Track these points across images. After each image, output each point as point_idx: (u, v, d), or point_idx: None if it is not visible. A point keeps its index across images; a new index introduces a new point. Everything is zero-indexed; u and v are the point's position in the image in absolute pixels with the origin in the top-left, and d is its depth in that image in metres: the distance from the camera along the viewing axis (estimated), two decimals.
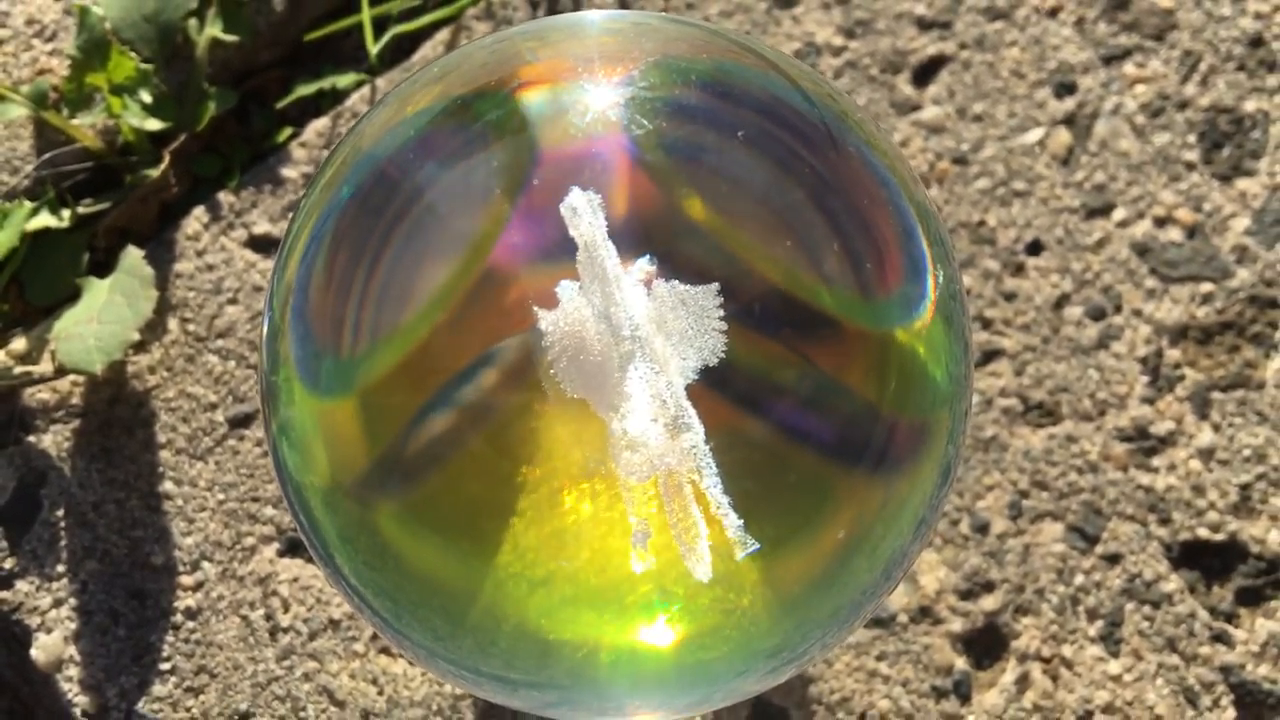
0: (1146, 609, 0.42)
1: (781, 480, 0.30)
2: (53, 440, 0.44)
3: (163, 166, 0.45)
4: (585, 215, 0.29)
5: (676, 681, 0.30)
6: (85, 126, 0.46)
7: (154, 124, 0.46)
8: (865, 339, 0.29)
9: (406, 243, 0.30)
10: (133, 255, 0.44)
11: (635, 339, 0.30)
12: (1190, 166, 0.47)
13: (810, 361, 0.29)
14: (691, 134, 0.29)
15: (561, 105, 0.29)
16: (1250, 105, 0.47)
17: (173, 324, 0.45)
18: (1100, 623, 0.42)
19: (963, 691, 0.41)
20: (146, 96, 0.45)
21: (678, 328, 0.29)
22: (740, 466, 0.29)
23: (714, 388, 0.29)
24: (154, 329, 0.45)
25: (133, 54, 0.45)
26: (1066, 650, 0.42)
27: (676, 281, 0.29)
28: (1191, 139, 0.47)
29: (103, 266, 0.46)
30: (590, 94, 0.29)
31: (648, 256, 0.29)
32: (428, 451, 0.30)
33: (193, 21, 0.47)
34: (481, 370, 0.30)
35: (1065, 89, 0.48)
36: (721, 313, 0.28)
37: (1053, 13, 0.49)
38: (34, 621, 0.42)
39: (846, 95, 0.32)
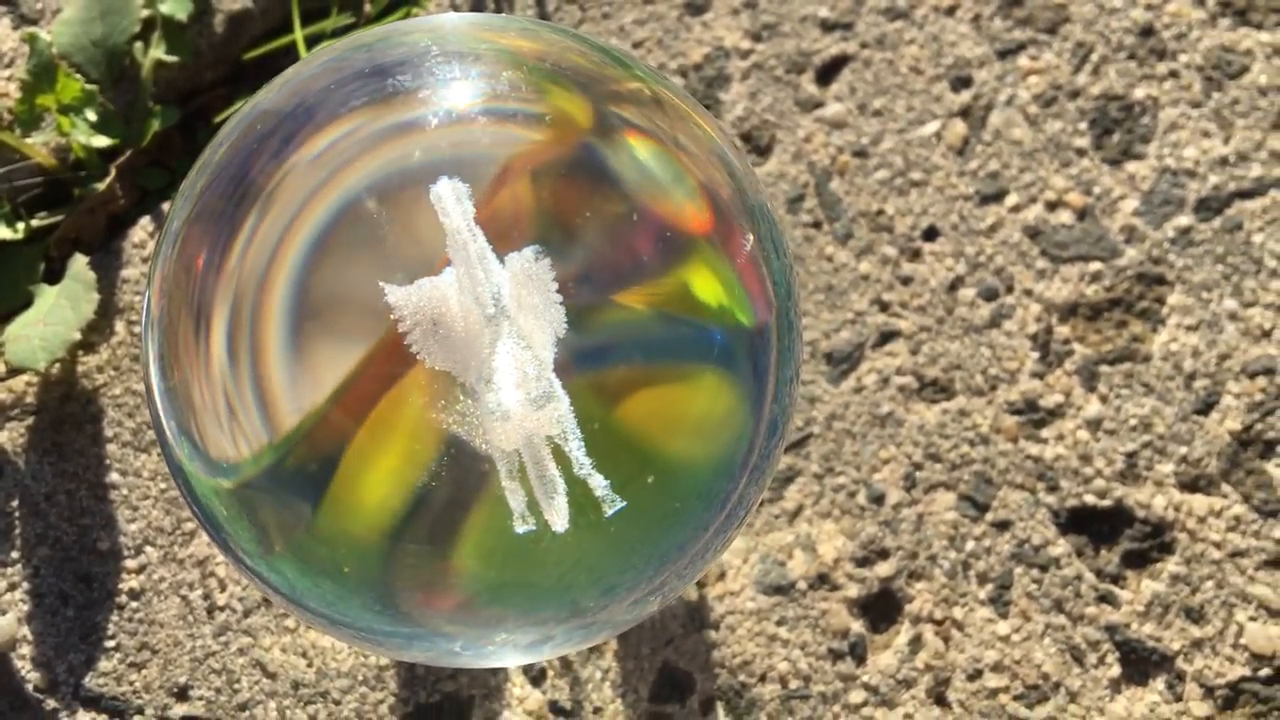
0: (1035, 572, 0.44)
1: (627, 430, 0.32)
2: (8, 436, 0.47)
3: (109, 180, 0.49)
4: (452, 203, 0.32)
5: (546, 614, 0.32)
6: (38, 145, 0.49)
7: (102, 141, 0.49)
8: (681, 294, 0.32)
9: (270, 243, 0.32)
10: (79, 263, 0.47)
11: (503, 316, 0.32)
12: (1081, 152, 0.49)
13: (636, 320, 0.32)
14: (523, 121, 0.32)
15: (411, 102, 0.32)
16: (1140, 92, 0.50)
17: (119, 326, 0.48)
18: (990, 586, 0.44)
19: (858, 653, 0.44)
20: (92, 115, 0.48)
21: (530, 303, 0.32)
22: (599, 426, 0.32)
23: (569, 354, 0.32)
24: (102, 331, 0.48)
25: (80, 76, 0.48)
26: (957, 612, 0.44)
27: (514, 255, 0.31)
28: (1083, 126, 0.49)
29: (56, 275, 0.49)
30: (440, 92, 0.32)
31: (533, 247, 0.32)
32: (298, 435, 0.32)
33: (138, 45, 0.50)
34: (347, 351, 0.32)
35: (961, 83, 0.50)
36: (554, 279, 0.31)
37: (950, 11, 0.51)
38: None
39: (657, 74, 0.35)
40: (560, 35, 0.35)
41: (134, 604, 0.45)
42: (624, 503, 0.32)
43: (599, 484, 0.32)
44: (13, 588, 0.45)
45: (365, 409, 0.32)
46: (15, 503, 0.46)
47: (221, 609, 0.45)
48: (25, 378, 0.47)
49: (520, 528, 0.32)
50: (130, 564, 0.45)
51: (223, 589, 0.45)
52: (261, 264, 0.31)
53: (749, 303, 0.32)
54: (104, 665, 0.44)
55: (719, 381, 0.33)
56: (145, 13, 0.50)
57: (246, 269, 0.31)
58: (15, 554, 0.46)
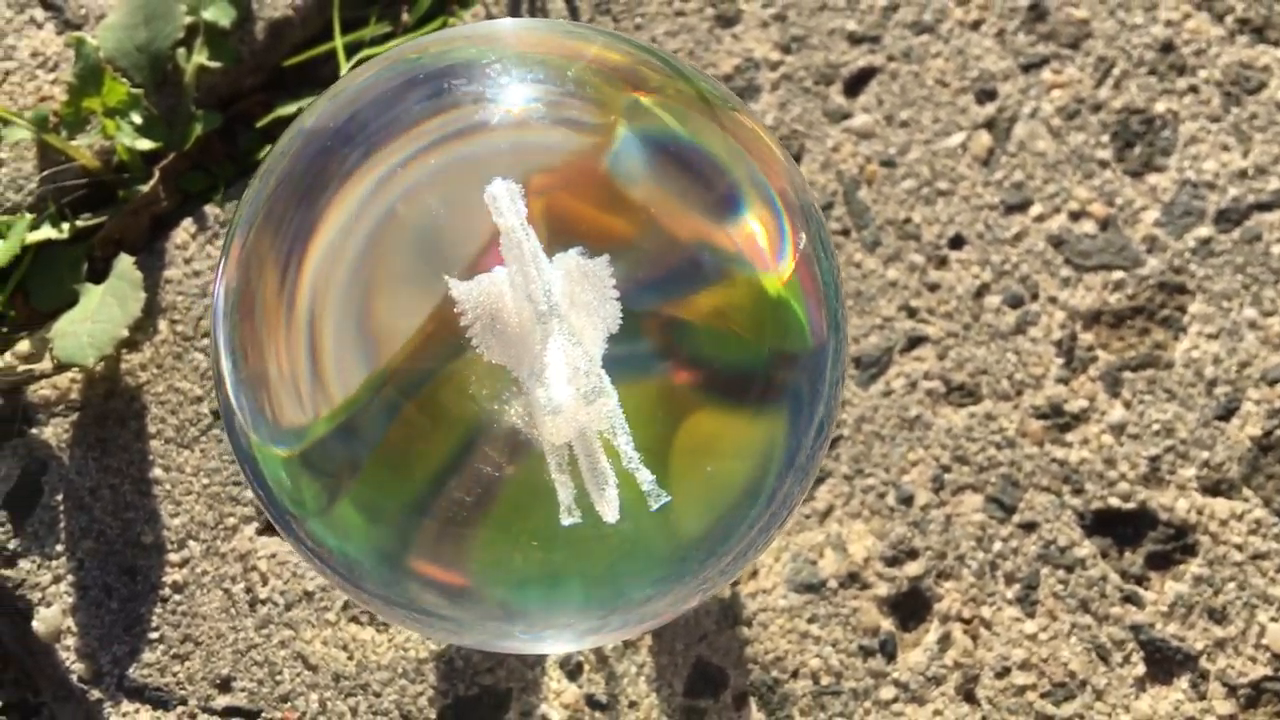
0: (1061, 573, 0.45)
1: (678, 428, 0.33)
2: (53, 432, 0.48)
3: (153, 182, 0.50)
4: (506, 203, 0.33)
5: (596, 603, 0.33)
6: (83, 147, 0.50)
7: (145, 144, 0.50)
8: (737, 294, 0.33)
9: (331, 233, 0.33)
10: (125, 262, 0.48)
11: (554, 314, 0.33)
12: (1104, 164, 0.50)
13: (692, 319, 0.33)
14: (582, 123, 0.33)
15: (466, 104, 0.33)
16: (1161, 106, 0.51)
17: (163, 325, 0.49)
18: (1017, 586, 0.45)
19: (888, 651, 0.45)
20: (137, 118, 0.49)
21: (583, 300, 0.33)
22: (646, 423, 0.33)
23: (621, 353, 0.33)
24: (145, 330, 0.49)
25: (125, 80, 0.49)
26: (985, 611, 0.45)
27: (575, 254, 0.33)
28: (1105, 139, 0.50)
29: (99, 274, 0.50)
30: (504, 93, 0.33)
31: (578, 248, 0.33)
32: (366, 421, 0.33)
33: (181, 50, 0.51)
34: (415, 346, 0.33)
35: (986, 95, 0.51)
36: (614, 281, 0.32)
37: (975, 25, 0.52)
38: (35, 596, 0.46)
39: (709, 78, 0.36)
40: (612, 39, 0.36)
41: (177, 597, 0.46)
42: (669, 497, 0.33)
43: (646, 478, 0.33)
44: (57, 580, 0.46)
45: (424, 394, 0.33)
46: (60, 497, 0.47)
47: (263, 602, 0.46)
48: (70, 374, 0.48)
49: (566, 520, 0.33)
50: (173, 557, 0.46)
51: (264, 583, 0.46)
52: (332, 248, 0.32)
53: (802, 304, 0.33)
54: (147, 657, 0.45)
55: (769, 382, 0.34)
56: (188, 19, 0.51)
57: (317, 251, 0.32)
58: (60, 547, 0.46)
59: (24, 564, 0.46)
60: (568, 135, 0.34)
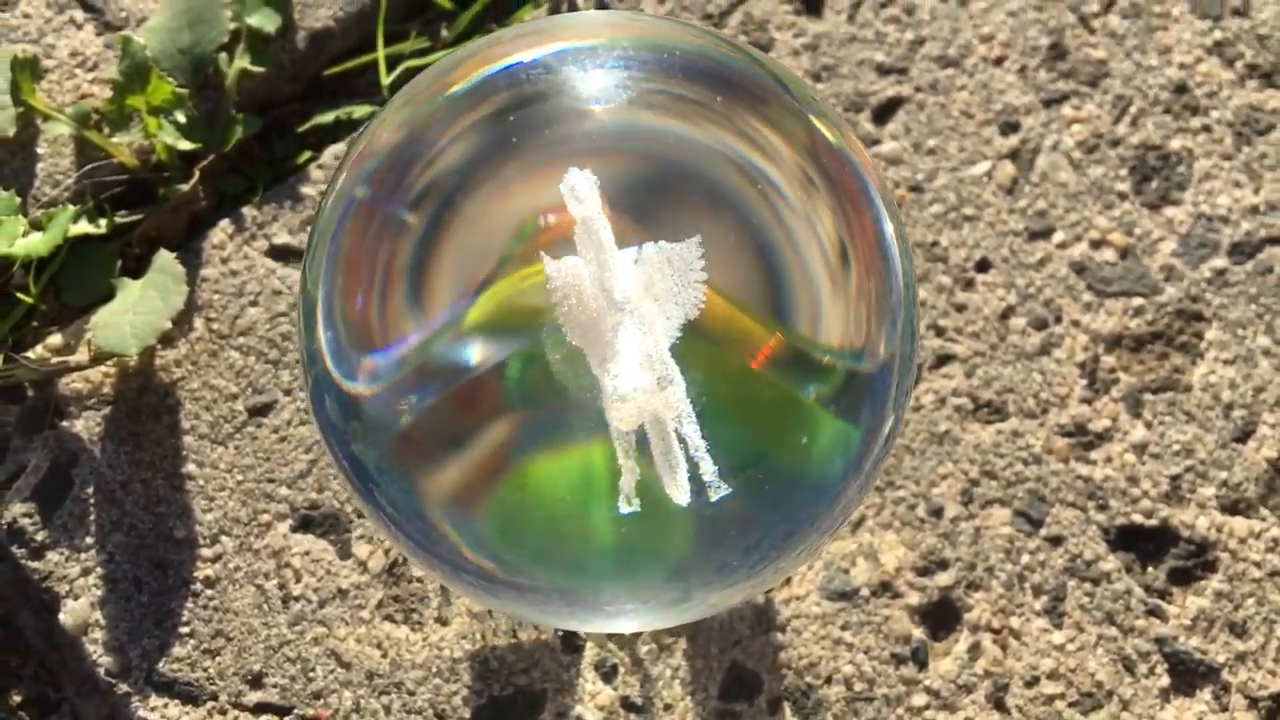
0: (1087, 586, 0.46)
1: (748, 421, 0.34)
2: (85, 425, 0.47)
3: (193, 181, 0.50)
4: (583, 193, 0.34)
5: (658, 584, 0.34)
6: (123, 145, 0.51)
7: (186, 144, 0.50)
8: (823, 301, 0.34)
9: (426, 223, 0.34)
10: (165, 256, 0.48)
11: (625, 304, 0.34)
12: (1122, 196, 0.52)
13: (776, 318, 0.33)
14: (677, 117, 0.34)
15: (560, 91, 0.34)
16: (1176, 144, 0.53)
17: (198, 323, 0.49)
18: (1045, 598, 0.46)
19: (920, 659, 0.45)
20: (181, 118, 0.50)
21: (664, 287, 0.34)
22: (711, 411, 0.33)
23: (696, 343, 0.33)
24: (180, 327, 0.49)
25: (170, 80, 0.50)
26: (1014, 622, 0.46)
27: (664, 242, 0.33)
28: (1123, 172, 0.52)
29: (134, 272, 0.50)
30: (586, 81, 0.34)
31: (652, 243, 0.33)
32: (451, 403, 0.34)
33: (223, 55, 0.52)
34: (495, 334, 0.34)
35: (1010, 127, 0.53)
36: (703, 263, 0.33)
37: (998, 61, 0.54)
38: (63, 589, 0.45)
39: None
40: (694, 31, 0.37)
41: (209, 592, 0.46)
42: (728, 489, 0.33)
43: (709, 468, 0.33)
44: (86, 573, 0.46)
45: (508, 366, 0.34)
46: (90, 490, 0.47)
47: (296, 599, 0.45)
48: (103, 369, 0.48)
49: (625, 508, 0.33)
50: (206, 552, 0.46)
51: (298, 579, 0.46)
52: (428, 220, 0.33)
53: (882, 306, 0.34)
54: (177, 651, 0.45)
55: (845, 385, 0.34)
56: (232, 25, 0.52)
57: (416, 222, 0.33)
58: (89, 540, 0.46)
59: (52, 556, 0.46)
60: (653, 125, 0.34)
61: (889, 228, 0.34)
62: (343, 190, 0.35)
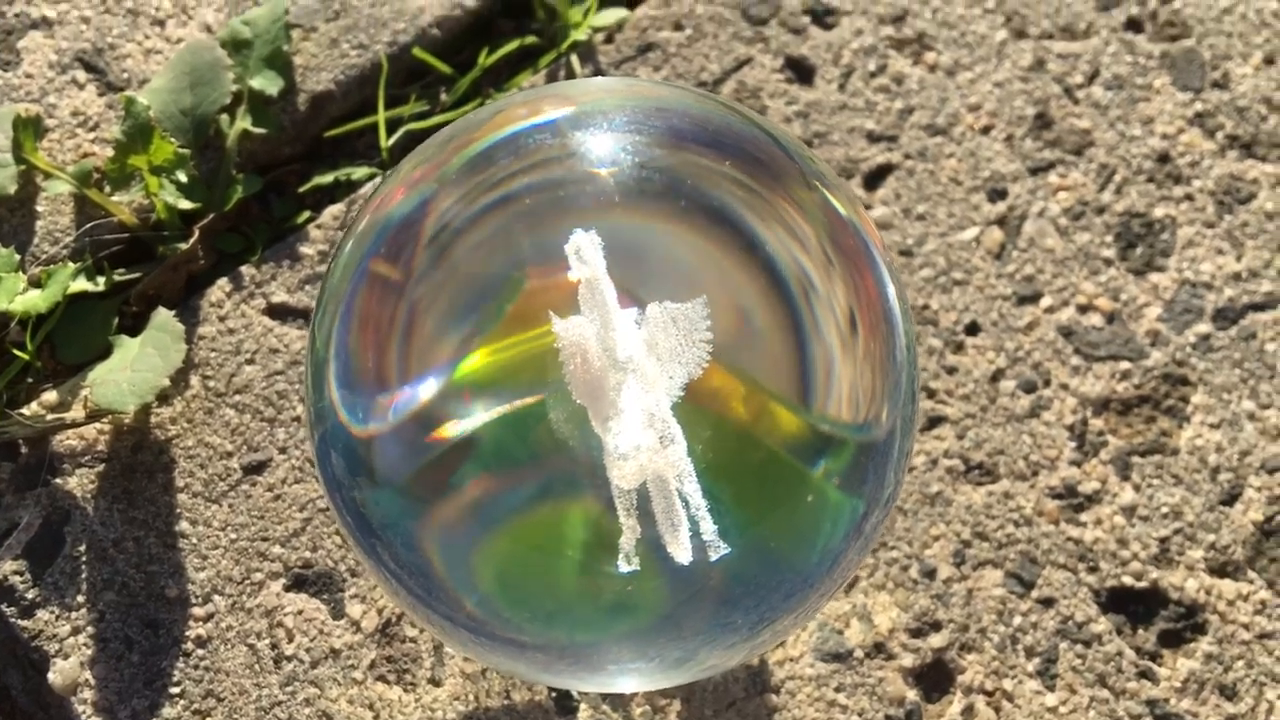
0: (1079, 648, 0.46)
1: (748, 483, 0.34)
2: (78, 482, 0.47)
3: (193, 240, 0.50)
4: (588, 254, 0.35)
5: (659, 643, 0.34)
6: (123, 204, 0.51)
7: (186, 204, 0.51)
8: (831, 364, 0.34)
9: (436, 285, 0.35)
10: (164, 314, 0.48)
11: (628, 363, 0.34)
12: (1108, 262, 0.53)
13: (781, 382, 0.34)
14: (683, 177, 0.35)
15: (570, 154, 0.34)
16: (1159, 211, 0.54)
17: (194, 380, 0.49)
18: (1037, 659, 0.46)
19: None
20: (183, 177, 0.50)
21: (668, 346, 0.34)
22: (714, 473, 0.34)
23: (694, 406, 0.34)
24: (177, 384, 0.49)
25: (172, 140, 0.50)
26: (1007, 684, 0.46)
27: (668, 302, 0.34)
28: (1109, 239, 0.53)
29: (131, 330, 0.50)
30: (591, 140, 0.34)
31: (657, 303, 0.34)
32: (456, 459, 0.34)
33: (225, 116, 0.53)
34: (501, 392, 0.34)
35: (997, 194, 0.54)
36: (708, 323, 0.33)
37: (985, 130, 0.55)
38: (52, 648, 0.45)
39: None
40: (697, 95, 0.37)
41: (200, 651, 0.45)
42: (729, 549, 0.33)
43: (709, 528, 0.34)
44: (76, 631, 0.45)
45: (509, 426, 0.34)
46: (82, 548, 0.46)
47: (289, 659, 0.45)
48: (98, 426, 0.48)
49: (624, 567, 0.34)
50: (198, 612, 0.46)
51: (290, 639, 0.45)
52: (438, 278, 0.33)
53: (886, 369, 0.35)
54: (168, 712, 0.44)
55: (848, 448, 0.35)
56: (235, 87, 0.53)
57: (424, 284, 0.33)
58: (80, 598, 0.46)
59: (42, 614, 0.46)
60: (654, 188, 0.35)
61: (892, 290, 0.35)
62: (354, 253, 0.35)
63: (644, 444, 0.34)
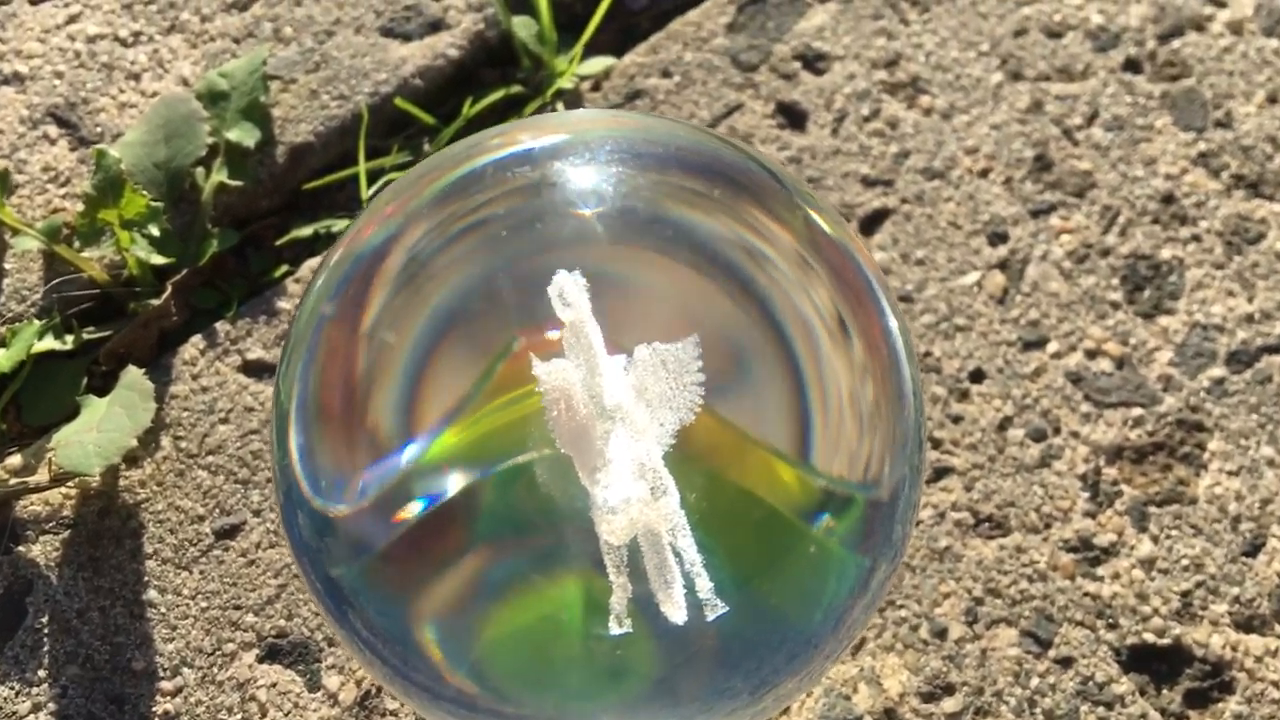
0: (1101, 710, 0.44)
1: (744, 538, 0.32)
2: (41, 550, 0.45)
3: (165, 295, 0.48)
4: (571, 296, 0.33)
5: (653, 711, 0.31)
6: (93, 260, 0.49)
7: (159, 259, 0.49)
8: (832, 415, 0.32)
9: (407, 336, 0.32)
10: (133, 373, 0.46)
11: (616, 410, 0.32)
12: (1115, 305, 0.51)
13: (770, 431, 0.32)
14: (665, 214, 0.33)
15: (549, 186, 0.32)
16: (1166, 253, 0.52)
17: (165, 441, 0.47)
18: None
19: None
20: (155, 231, 0.48)
21: (658, 391, 0.32)
22: (708, 526, 0.32)
23: (687, 456, 0.32)
24: (147, 446, 0.47)
25: (145, 193, 0.49)
26: None
27: (658, 343, 0.32)
28: (1115, 282, 0.52)
29: (100, 390, 0.48)
30: (573, 172, 0.32)
31: (645, 345, 0.32)
32: (434, 526, 0.32)
33: (200, 169, 0.51)
34: (478, 455, 0.32)
35: (998, 238, 0.52)
36: (700, 364, 0.31)
37: (984, 173, 0.54)
38: None
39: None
40: (686, 126, 0.36)
41: None
42: (726, 608, 0.31)
43: (704, 585, 0.31)
44: (37, 709, 0.43)
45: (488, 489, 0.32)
46: (45, 619, 0.44)
47: None
48: (63, 490, 0.46)
49: (615, 630, 0.31)
50: (166, 685, 0.43)
51: (263, 714, 0.43)
52: (408, 336, 0.31)
53: (889, 417, 0.33)
54: None
55: (849, 503, 0.33)
56: (211, 139, 0.51)
57: (392, 339, 0.31)
58: (42, 673, 0.43)
59: (1, 690, 0.43)
60: (641, 229, 0.33)
61: (895, 326, 0.33)
62: (319, 297, 0.33)
63: (634, 496, 0.32)
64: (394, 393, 0.32)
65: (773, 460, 0.32)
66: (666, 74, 0.56)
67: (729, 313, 0.32)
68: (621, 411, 0.32)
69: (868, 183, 0.54)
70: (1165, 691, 0.44)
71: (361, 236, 0.32)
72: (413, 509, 0.32)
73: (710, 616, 0.31)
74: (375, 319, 0.32)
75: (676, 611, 0.31)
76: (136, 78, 0.54)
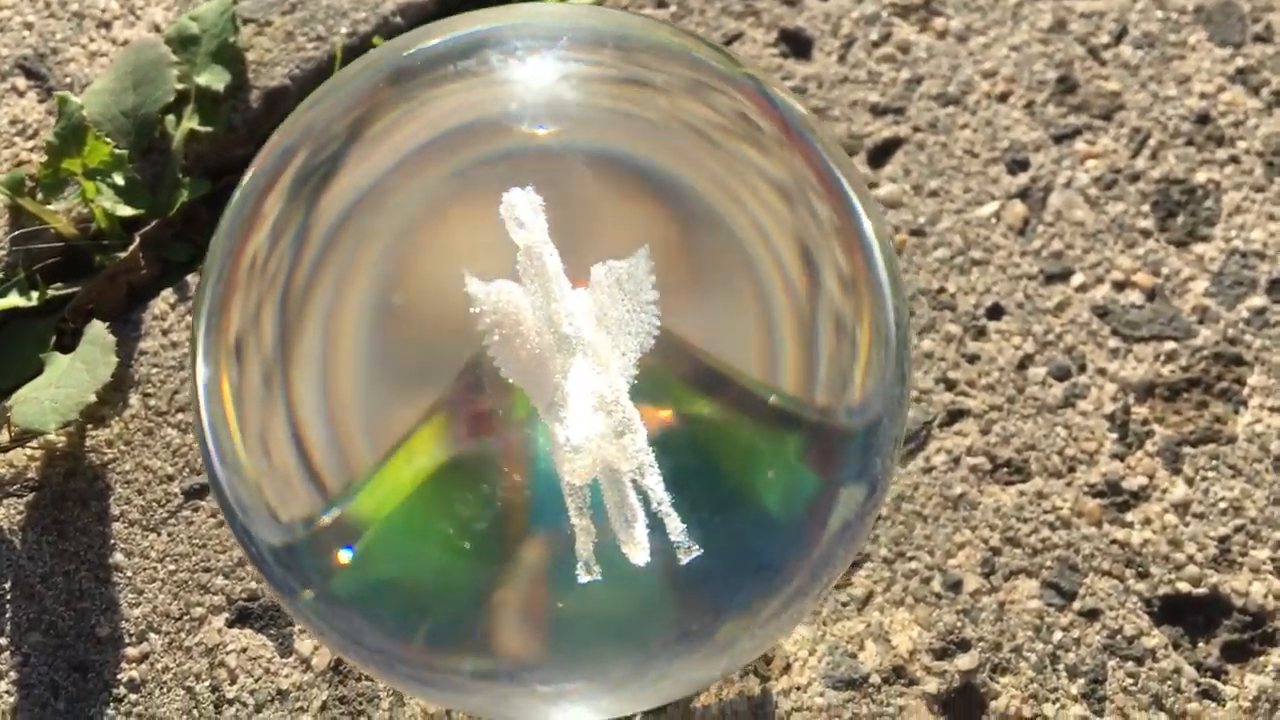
0: (1130, 665, 0.40)
1: (711, 474, 0.29)
2: (5, 513, 0.43)
3: (132, 248, 0.46)
4: (525, 217, 0.30)
5: (622, 660, 0.29)
6: (59, 213, 0.47)
7: (127, 210, 0.47)
8: (791, 341, 0.29)
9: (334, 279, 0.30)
10: (96, 327, 0.44)
11: (577, 340, 0.29)
12: (1146, 234, 0.47)
13: (739, 365, 0.29)
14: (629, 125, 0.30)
15: (491, 82, 0.30)
16: (1201, 176, 0.48)
17: (134, 399, 0.45)
18: (1082, 680, 0.40)
19: None
20: (119, 180, 0.46)
21: (615, 316, 0.29)
22: (674, 462, 0.29)
23: (651, 388, 0.29)
24: (115, 405, 0.45)
25: (108, 140, 0.46)
26: (1048, 709, 0.40)
27: (611, 261, 0.29)
28: (1145, 208, 0.48)
29: (69, 347, 0.46)
30: (521, 72, 0.30)
31: (601, 263, 0.29)
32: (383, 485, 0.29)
33: (171, 116, 0.49)
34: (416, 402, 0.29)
35: (1018, 165, 0.49)
36: (654, 280, 0.28)
37: (1003, 98, 0.50)
38: None
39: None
40: (645, 22, 0.33)
41: (133, 696, 0.40)
42: (700, 550, 0.28)
43: (676, 526, 0.29)
44: None
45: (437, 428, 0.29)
46: (7, 584, 0.42)
47: (230, 702, 0.40)
48: (28, 451, 0.44)
49: (584, 577, 0.29)
50: (131, 652, 0.41)
51: (233, 681, 0.41)
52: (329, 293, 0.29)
53: (865, 347, 0.30)
54: None
55: (820, 429, 0.30)
56: (180, 86, 0.49)
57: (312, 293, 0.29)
58: (3, 640, 0.41)
59: None
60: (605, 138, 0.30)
61: (868, 224, 0.29)
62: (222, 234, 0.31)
63: (598, 433, 0.29)
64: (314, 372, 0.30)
65: (737, 383, 0.29)
66: (662, 4, 0.53)
67: (684, 223, 0.29)
68: (583, 342, 0.29)
69: (877, 111, 0.50)
70: (1201, 644, 0.41)
71: (275, 149, 0.30)
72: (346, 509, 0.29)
73: (684, 560, 0.28)
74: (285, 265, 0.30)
75: (639, 552, 0.28)
76: (107, 25, 0.52)
